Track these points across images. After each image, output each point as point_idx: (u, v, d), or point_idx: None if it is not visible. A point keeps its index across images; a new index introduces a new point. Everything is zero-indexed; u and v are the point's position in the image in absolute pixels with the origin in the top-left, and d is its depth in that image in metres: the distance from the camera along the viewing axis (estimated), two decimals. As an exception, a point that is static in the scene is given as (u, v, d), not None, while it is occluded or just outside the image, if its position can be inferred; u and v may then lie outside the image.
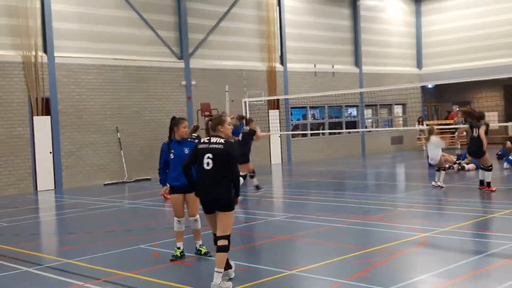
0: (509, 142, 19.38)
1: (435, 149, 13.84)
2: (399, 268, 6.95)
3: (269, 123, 22.80)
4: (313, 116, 26.72)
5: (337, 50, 27.02)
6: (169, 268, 7.27)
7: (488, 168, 12.62)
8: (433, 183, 13.86)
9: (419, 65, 31.05)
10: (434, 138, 13.95)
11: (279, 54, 24.62)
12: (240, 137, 14.31)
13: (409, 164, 21.91)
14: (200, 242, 7.77)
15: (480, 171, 12.97)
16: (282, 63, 24.69)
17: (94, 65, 19.01)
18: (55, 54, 18.09)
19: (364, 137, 27.85)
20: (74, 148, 18.50)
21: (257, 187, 14.31)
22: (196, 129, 14.04)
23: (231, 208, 6.24)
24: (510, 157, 17.50)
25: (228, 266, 6.39)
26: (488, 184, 12.69)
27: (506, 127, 28.96)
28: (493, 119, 26.33)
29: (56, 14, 18.19)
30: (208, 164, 6.23)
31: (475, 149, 12.75)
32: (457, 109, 26.60)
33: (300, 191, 14.41)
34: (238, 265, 7.24)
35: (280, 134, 23.89)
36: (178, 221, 7.63)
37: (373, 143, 28.14)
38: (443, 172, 13.85)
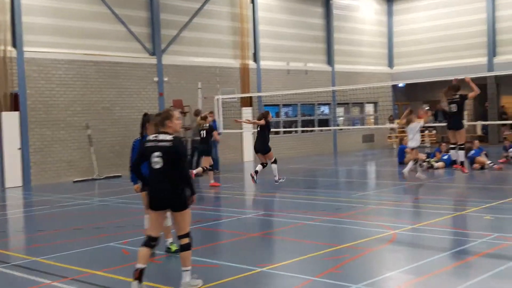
0: (476, 141, 19.71)
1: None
2: (369, 265, 7.01)
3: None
4: (286, 114, 26.78)
5: (310, 48, 27.13)
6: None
7: (462, 147, 12.87)
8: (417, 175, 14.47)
9: (390, 64, 31.38)
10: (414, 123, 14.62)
11: (253, 52, 24.61)
12: (204, 133, 15.40)
13: (379, 162, 22.13)
14: (170, 240, 7.72)
15: (452, 152, 13.24)
16: (255, 60, 24.68)
17: (64, 60, 18.73)
18: (24, 48, 17.75)
19: (336, 135, 28.03)
20: (43, 145, 18.20)
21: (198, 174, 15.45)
22: (205, 117, 15.52)
23: (185, 207, 6.07)
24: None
25: (140, 277, 5.92)
26: (462, 163, 13.00)
27: (474, 126, 29.47)
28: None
29: (25, 8, 17.83)
30: (157, 163, 5.97)
31: (456, 123, 12.93)
32: (427, 108, 26.93)
33: (271, 189, 14.44)
34: (209, 262, 7.23)
35: (253, 132, 23.86)
36: None
37: (344, 141, 28.34)
38: (411, 163, 14.40)
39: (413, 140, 14.81)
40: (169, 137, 6.01)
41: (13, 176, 17.35)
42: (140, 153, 6.20)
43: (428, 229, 8.86)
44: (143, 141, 6.28)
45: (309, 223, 9.76)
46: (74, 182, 18.17)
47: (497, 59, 26.94)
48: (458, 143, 12.92)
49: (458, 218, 9.85)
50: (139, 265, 5.93)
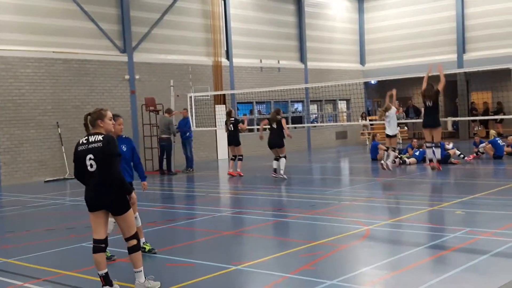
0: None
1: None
2: (342, 261, 7.04)
3: (215, 118, 22.70)
4: (259, 112, 26.77)
5: (282, 45, 27.17)
6: (111, 266, 7.11)
7: (438, 145, 12.97)
8: (382, 162, 14.57)
9: (362, 61, 31.62)
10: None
11: (225, 49, 24.54)
12: (232, 126, 17.00)
13: (353, 158, 22.28)
14: (143, 240, 7.64)
15: (428, 151, 13.25)
16: (228, 58, 24.62)
17: (33, 58, 18.41)
18: (-8, 46, 17.42)
19: (310, 132, 28.15)
20: (13, 144, 17.87)
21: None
22: (229, 113, 17.31)
23: (125, 210, 5.86)
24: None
25: (108, 282, 5.87)
26: (438, 161, 13.14)
27: (445, 122, 29.88)
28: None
29: (-8, 4, 17.50)
30: (91, 165, 5.76)
31: (433, 121, 12.93)
32: (398, 105, 27.21)
33: (246, 186, 14.42)
34: (184, 261, 7.18)
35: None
36: None
37: (318, 138, 28.48)
38: (392, 153, 14.48)
39: (390, 127, 14.87)
40: (99, 138, 5.81)
41: (-18, 177, 17.01)
42: (75, 160, 5.93)
43: (401, 224, 8.95)
44: (76, 146, 5.96)
45: (284, 220, 9.76)
46: (46, 182, 17.90)
47: (466, 56, 27.37)
48: (435, 141, 12.98)
49: (430, 213, 9.96)
50: (100, 272, 5.83)
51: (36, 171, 18.34)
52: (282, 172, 15.39)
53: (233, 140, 17.17)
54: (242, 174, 16.65)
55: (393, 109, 15.00)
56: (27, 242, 8.84)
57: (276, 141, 15.83)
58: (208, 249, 8.05)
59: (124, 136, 7.51)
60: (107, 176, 5.75)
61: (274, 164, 15.81)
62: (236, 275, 6.56)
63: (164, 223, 10.09)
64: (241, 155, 17.00)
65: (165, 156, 18.26)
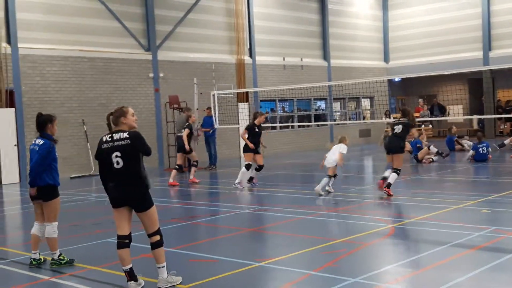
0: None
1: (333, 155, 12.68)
2: (366, 259, 7.02)
3: (238, 116, 22.73)
4: (283, 109, 26.76)
5: (305, 43, 27.10)
6: (137, 261, 7.19)
7: (397, 171, 11.62)
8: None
9: (386, 58, 31.37)
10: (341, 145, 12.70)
11: (248, 47, 24.57)
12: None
13: (376, 156, 22.13)
14: (58, 252, 7.28)
15: (388, 171, 11.92)
16: (251, 56, 24.65)
17: (59, 56, 18.67)
18: (19, 45, 17.69)
19: (333, 129, 28.04)
20: (39, 141, 18.10)
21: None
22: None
23: (150, 205, 5.91)
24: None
25: (132, 277, 5.94)
26: (389, 185, 11.50)
27: (471, 120, 29.53)
28: (457, 112, 26.81)
29: (20, 4, 17.78)
30: (118, 163, 5.78)
31: (395, 145, 11.68)
32: (423, 102, 27.05)
33: (269, 184, 14.43)
34: (207, 257, 7.23)
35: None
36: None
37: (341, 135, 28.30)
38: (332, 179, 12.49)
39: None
40: (125, 135, 5.84)
41: (10, 173, 17.33)
42: (99, 159, 5.93)
43: (425, 222, 8.88)
44: (99, 144, 5.91)
45: (307, 217, 9.76)
46: (71, 178, 18.15)
47: (492, 53, 26.98)
48: (394, 167, 11.65)
49: (454, 211, 9.85)
50: (125, 267, 5.92)
51: (62, 168, 18.37)
52: (254, 179, 14.17)
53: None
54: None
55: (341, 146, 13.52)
56: (54, 237, 8.96)
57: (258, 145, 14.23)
58: (231, 245, 8.09)
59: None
60: (134, 173, 5.81)
61: (249, 173, 14.07)
62: (259, 272, 6.58)
63: (187, 220, 10.16)
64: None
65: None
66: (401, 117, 12.10)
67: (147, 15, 20.96)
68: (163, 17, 21.49)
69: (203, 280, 6.21)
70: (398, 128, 11.73)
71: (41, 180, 7.30)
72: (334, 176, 12.26)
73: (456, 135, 21.35)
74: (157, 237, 5.97)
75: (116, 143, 5.81)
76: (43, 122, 7.43)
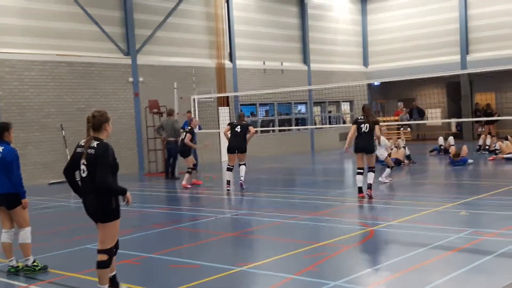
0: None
1: (380, 148, 14.08)
2: (347, 262, 7.04)
3: (218, 120, 22.73)
4: (266, 113, 26.79)
5: (285, 47, 27.19)
6: (118, 267, 7.13)
7: (373, 169, 11.73)
8: (380, 178, 14.12)
9: (365, 63, 31.62)
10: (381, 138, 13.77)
11: (228, 51, 24.57)
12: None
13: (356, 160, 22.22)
14: (32, 258, 7.24)
15: (359, 177, 11.76)
16: (231, 60, 24.65)
17: (38, 61, 18.48)
18: (-4, 49, 17.50)
19: (313, 133, 28.15)
20: (17, 147, 17.67)
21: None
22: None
23: (110, 219, 5.60)
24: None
25: (114, 284, 5.86)
26: (370, 186, 11.60)
27: (449, 123, 29.85)
28: (435, 115, 27.13)
29: (-4, 8, 17.58)
30: (83, 171, 5.61)
31: (367, 146, 11.73)
32: (402, 106, 27.26)
33: (250, 188, 14.42)
34: (188, 263, 7.19)
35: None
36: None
37: (321, 139, 28.47)
38: (387, 169, 14.03)
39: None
40: (95, 144, 5.58)
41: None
42: (72, 158, 5.81)
43: (404, 225, 8.94)
44: (76, 146, 5.81)
45: (287, 221, 9.77)
46: (50, 184, 17.94)
47: (470, 57, 27.34)
48: (369, 166, 11.75)
49: (435, 214, 9.94)
50: (100, 286, 5.68)
51: (40, 173, 18.38)
52: (242, 179, 14.02)
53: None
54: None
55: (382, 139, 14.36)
56: (32, 244, 8.84)
57: (241, 144, 14.01)
58: (212, 250, 8.07)
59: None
60: (98, 183, 5.49)
61: (227, 175, 14.18)
62: (240, 276, 6.57)
63: (168, 225, 10.11)
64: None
65: (171, 160, 18.10)
66: (363, 115, 11.96)
67: (126, 19, 20.84)
68: (142, 21, 21.40)
69: (184, 285, 6.18)
70: (366, 127, 11.76)
71: (3, 187, 7.08)
72: (394, 165, 12.95)
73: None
74: (104, 257, 5.61)
75: (87, 151, 5.58)
76: (0, 130, 7.24)
